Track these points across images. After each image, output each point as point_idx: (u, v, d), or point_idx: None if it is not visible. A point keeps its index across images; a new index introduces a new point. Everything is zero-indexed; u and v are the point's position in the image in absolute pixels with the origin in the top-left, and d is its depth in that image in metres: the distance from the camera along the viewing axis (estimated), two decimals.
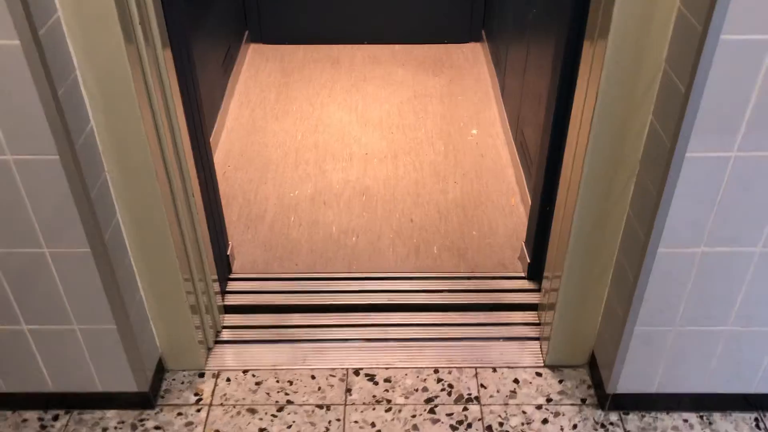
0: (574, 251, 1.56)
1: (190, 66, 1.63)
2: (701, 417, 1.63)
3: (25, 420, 1.66)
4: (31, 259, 1.39)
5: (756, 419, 1.63)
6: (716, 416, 1.63)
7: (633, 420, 1.63)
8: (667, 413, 1.64)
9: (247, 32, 3.30)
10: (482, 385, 1.71)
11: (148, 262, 1.57)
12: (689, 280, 1.39)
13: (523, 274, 2.01)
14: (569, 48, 1.56)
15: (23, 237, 1.35)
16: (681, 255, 1.34)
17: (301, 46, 3.30)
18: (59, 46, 1.21)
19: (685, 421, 1.62)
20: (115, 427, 1.64)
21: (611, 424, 1.62)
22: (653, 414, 1.64)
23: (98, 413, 1.67)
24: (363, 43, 3.31)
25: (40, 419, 1.66)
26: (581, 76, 1.43)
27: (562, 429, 1.61)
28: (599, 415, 1.64)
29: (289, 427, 1.63)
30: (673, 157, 1.22)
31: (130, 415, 1.67)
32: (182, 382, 1.74)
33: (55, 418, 1.66)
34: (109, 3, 1.20)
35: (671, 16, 1.18)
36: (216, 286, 1.84)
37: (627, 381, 1.58)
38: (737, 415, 1.63)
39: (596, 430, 1.61)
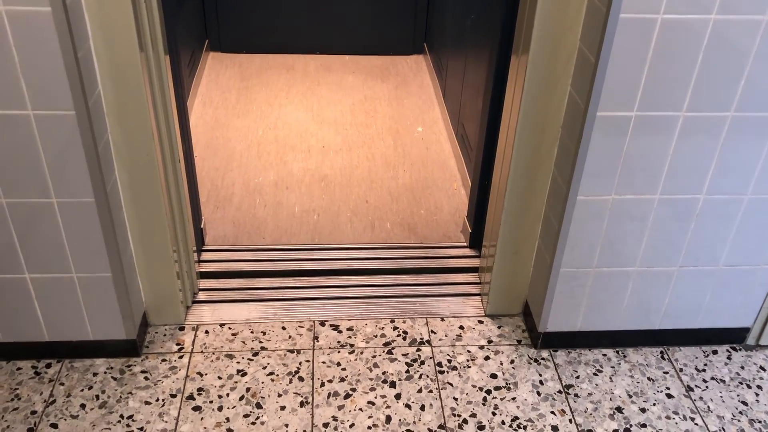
0: (507, 216, 1.84)
1: (177, 56, 1.86)
2: (617, 352, 1.92)
3: (19, 369, 1.82)
4: (40, 208, 1.57)
5: (661, 352, 1.93)
6: (629, 351, 1.93)
7: (561, 356, 1.91)
8: (589, 349, 1.92)
9: (207, 41, 3.53)
10: (432, 331, 1.96)
11: (140, 220, 1.76)
12: (603, 224, 1.68)
13: (465, 244, 2.29)
14: (502, 43, 1.85)
15: (35, 187, 1.54)
16: (595, 201, 1.64)
17: (258, 55, 3.55)
18: (79, 17, 1.43)
19: (604, 355, 1.91)
20: (105, 372, 1.82)
21: (543, 359, 1.90)
22: (578, 350, 1.92)
23: (88, 361, 1.84)
24: (315, 53, 3.59)
25: (34, 367, 1.82)
26: (512, 67, 1.73)
27: (501, 363, 1.87)
28: (533, 352, 1.91)
29: (264, 368, 1.84)
30: (587, 117, 1.52)
31: (118, 362, 1.84)
32: (164, 335, 1.93)
33: (48, 366, 1.83)
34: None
35: (583, 3, 1.49)
36: (194, 255, 2.04)
37: (555, 320, 1.86)
38: (646, 350, 1.93)
39: (530, 363, 1.88)
